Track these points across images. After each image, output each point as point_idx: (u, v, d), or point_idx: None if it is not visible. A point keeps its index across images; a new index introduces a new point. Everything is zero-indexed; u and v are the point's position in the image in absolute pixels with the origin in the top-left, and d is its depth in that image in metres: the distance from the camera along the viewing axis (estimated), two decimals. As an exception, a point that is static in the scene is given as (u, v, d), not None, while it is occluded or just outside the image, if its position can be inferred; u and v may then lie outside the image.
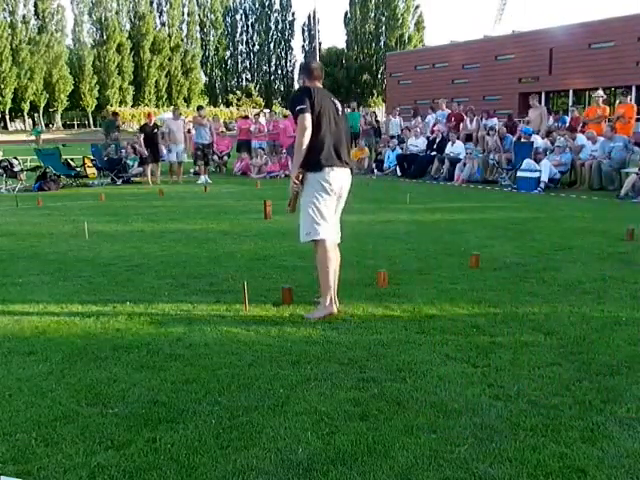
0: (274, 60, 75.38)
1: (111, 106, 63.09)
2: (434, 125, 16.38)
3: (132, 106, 65.43)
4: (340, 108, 4.39)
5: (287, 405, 2.91)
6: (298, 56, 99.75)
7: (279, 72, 76.05)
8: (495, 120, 15.61)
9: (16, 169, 14.30)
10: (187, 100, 69.52)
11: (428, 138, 15.69)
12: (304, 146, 4.13)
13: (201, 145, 15.16)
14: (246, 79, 76.15)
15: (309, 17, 71.20)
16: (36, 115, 61.94)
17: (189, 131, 17.14)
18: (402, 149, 16.03)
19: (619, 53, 27.64)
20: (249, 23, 75.14)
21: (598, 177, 11.84)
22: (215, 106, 66.98)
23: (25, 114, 63.52)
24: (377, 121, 19.64)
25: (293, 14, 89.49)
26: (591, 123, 13.44)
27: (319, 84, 4.40)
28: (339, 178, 4.25)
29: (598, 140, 12.39)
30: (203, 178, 14.75)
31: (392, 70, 42.59)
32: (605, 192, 11.35)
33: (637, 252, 6.18)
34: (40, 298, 4.79)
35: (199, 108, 16.14)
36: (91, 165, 15.91)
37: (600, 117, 13.58)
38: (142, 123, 16.35)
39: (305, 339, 3.80)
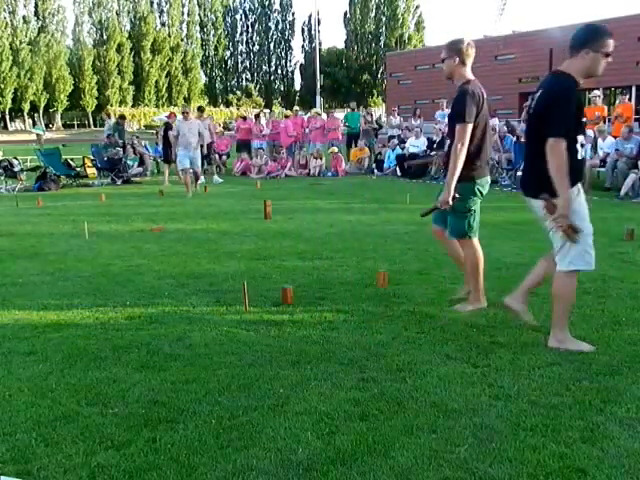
0: (274, 60, 75.33)
1: (111, 106, 63.02)
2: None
3: (132, 106, 65.42)
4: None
5: (287, 405, 2.91)
6: (298, 56, 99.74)
7: (279, 72, 75.99)
8: (495, 120, 15.58)
9: (16, 169, 14.30)
10: (187, 100, 69.49)
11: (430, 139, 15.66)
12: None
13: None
14: (246, 79, 76.09)
15: (309, 17, 71.22)
16: (36, 115, 61.92)
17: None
18: (402, 149, 16.03)
19: (619, 53, 27.63)
20: (249, 23, 75.09)
21: (611, 176, 11.77)
22: (215, 106, 66.94)
23: (25, 114, 63.48)
24: (377, 122, 19.58)
25: (293, 14, 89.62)
26: (590, 124, 13.43)
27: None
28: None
29: (607, 138, 12.36)
30: (203, 178, 14.69)
31: (392, 70, 42.57)
32: (606, 192, 11.33)
33: (637, 252, 6.18)
34: (40, 298, 4.79)
35: (200, 109, 16.45)
36: (91, 165, 15.90)
37: (599, 117, 13.58)
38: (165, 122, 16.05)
39: (305, 339, 3.80)
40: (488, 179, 4.30)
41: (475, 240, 4.33)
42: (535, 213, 3.72)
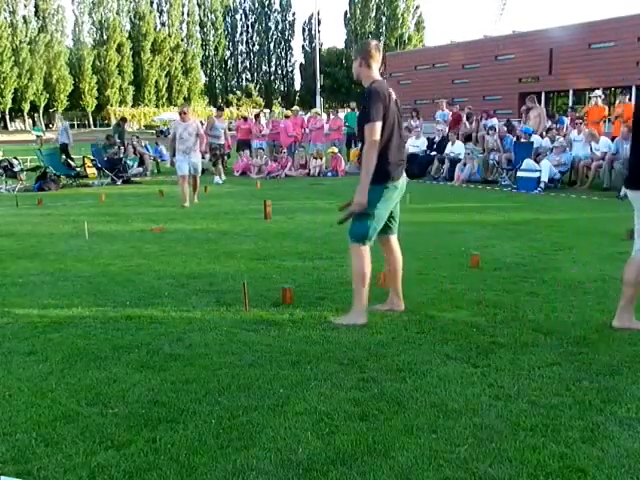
0: (274, 60, 75.45)
1: (111, 106, 63.14)
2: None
3: (132, 106, 65.50)
4: None
5: (287, 405, 2.91)
6: (298, 56, 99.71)
7: (279, 72, 76.11)
8: (495, 120, 15.59)
9: (16, 169, 14.30)
10: (187, 100, 69.53)
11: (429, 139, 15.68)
12: None
13: (217, 144, 15.02)
14: (246, 79, 76.21)
15: (309, 17, 71.23)
16: (36, 115, 61.95)
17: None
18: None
19: (619, 53, 27.64)
20: (249, 23, 75.25)
21: (609, 176, 11.77)
22: (215, 106, 67.01)
23: (25, 114, 63.52)
24: None
25: (293, 14, 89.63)
26: (591, 123, 13.45)
27: None
28: None
29: (601, 139, 12.36)
30: (216, 178, 14.62)
31: (392, 70, 42.57)
32: (606, 192, 11.33)
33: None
34: (40, 298, 4.78)
35: (219, 108, 17.30)
36: (91, 165, 15.90)
37: (601, 118, 13.61)
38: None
39: (305, 339, 3.80)
40: (400, 183, 4.03)
41: (367, 249, 4.03)
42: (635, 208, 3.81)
